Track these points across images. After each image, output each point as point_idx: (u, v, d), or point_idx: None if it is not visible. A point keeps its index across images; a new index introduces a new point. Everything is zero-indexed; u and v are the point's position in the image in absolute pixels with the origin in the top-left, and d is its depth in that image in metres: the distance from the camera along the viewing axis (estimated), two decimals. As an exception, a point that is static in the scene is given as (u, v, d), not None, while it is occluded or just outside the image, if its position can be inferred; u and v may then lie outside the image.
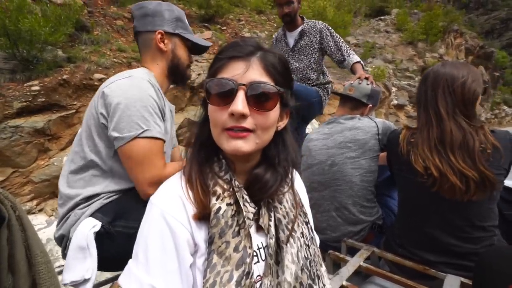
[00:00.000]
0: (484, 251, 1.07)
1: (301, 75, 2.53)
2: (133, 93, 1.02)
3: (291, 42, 2.54)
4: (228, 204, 0.61)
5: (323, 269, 0.72)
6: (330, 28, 2.48)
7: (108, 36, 4.97)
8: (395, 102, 9.62)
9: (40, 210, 3.29)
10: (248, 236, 0.60)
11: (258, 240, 0.65)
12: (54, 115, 3.46)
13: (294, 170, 0.75)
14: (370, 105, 1.69)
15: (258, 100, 0.60)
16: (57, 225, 1.10)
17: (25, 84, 3.41)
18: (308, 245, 0.70)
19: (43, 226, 3.08)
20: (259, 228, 0.66)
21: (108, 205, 1.06)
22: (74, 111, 3.62)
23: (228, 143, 0.60)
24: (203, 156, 0.67)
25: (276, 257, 0.63)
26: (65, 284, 0.96)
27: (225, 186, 0.63)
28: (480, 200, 1.09)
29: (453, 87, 1.12)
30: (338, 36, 2.47)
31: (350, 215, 1.47)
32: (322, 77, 2.59)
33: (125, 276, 0.59)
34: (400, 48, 13.19)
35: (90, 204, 1.05)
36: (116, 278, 1.23)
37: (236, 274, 0.57)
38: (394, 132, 1.39)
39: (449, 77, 1.14)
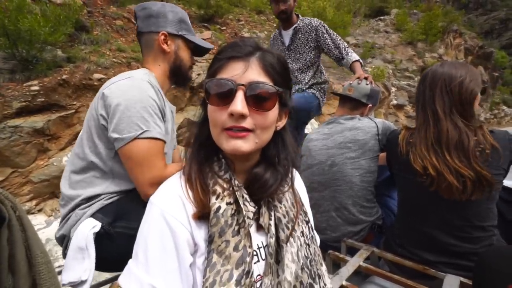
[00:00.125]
0: (484, 251, 1.07)
1: (297, 74, 2.50)
2: (133, 94, 1.02)
3: (286, 40, 2.51)
4: (228, 203, 0.62)
5: (324, 268, 0.72)
6: (325, 25, 2.45)
7: (107, 36, 4.96)
8: (394, 102, 9.64)
9: (40, 210, 3.28)
10: (248, 235, 0.60)
11: (258, 239, 0.65)
12: (53, 115, 3.45)
13: (294, 170, 0.76)
14: (370, 105, 1.70)
15: (257, 100, 0.60)
16: (59, 225, 1.10)
17: (24, 84, 3.40)
18: (308, 244, 0.70)
19: (42, 226, 3.07)
20: (259, 227, 0.66)
21: (109, 206, 1.06)
22: (73, 111, 3.61)
23: (228, 143, 0.60)
24: (203, 156, 0.67)
25: (276, 256, 0.63)
26: (63, 285, 0.96)
27: (224, 185, 0.63)
28: (479, 200, 1.09)
29: (450, 87, 1.12)
30: (335, 34, 2.44)
31: (350, 215, 1.47)
32: (318, 76, 2.55)
33: (125, 276, 0.59)
34: (400, 48, 13.21)
35: (90, 205, 1.05)
36: (115, 278, 1.23)
37: (236, 273, 0.57)
38: (393, 132, 1.39)
39: (446, 76, 1.14)
